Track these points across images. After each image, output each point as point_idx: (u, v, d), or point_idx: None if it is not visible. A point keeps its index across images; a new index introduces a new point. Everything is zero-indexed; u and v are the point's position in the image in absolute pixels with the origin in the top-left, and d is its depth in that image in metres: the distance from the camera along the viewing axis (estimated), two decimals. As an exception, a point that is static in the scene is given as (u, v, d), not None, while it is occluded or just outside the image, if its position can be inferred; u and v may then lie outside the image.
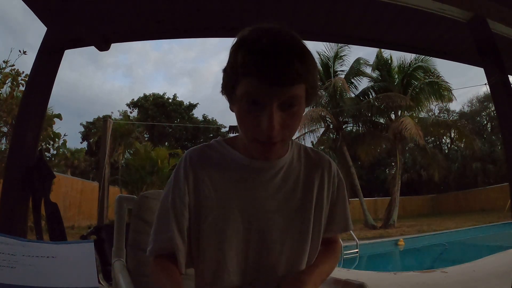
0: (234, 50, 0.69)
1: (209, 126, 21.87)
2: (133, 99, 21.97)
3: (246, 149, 0.80)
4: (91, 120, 20.99)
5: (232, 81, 0.69)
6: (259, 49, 0.64)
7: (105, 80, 52.07)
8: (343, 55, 14.19)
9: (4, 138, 4.85)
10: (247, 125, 0.70)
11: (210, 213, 0.77)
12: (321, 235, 0.84)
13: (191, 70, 53.58)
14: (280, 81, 0.64)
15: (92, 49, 2.72)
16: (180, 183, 0.79)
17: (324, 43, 13.50)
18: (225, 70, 0.73)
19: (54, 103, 15.87)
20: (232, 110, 0.76)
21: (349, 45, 12.51)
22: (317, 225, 0.83)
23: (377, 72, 14.72)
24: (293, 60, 0.64)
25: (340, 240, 0.96)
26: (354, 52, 17.05)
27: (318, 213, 0.83)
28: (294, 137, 0.83)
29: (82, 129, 21.27)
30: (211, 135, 22.06)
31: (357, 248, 7.36)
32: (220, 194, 0.78)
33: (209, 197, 0.78)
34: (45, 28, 2.36)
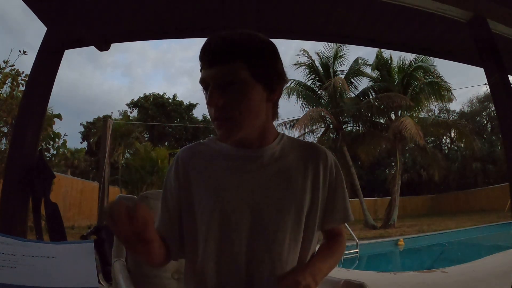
0: None
1: (209, 126, 21.84)
2: (133, 99, 22.00)
3: (236, 141, 0.82)
4: (91, 120, 21.01)
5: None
6: (209, 39, 0.76)
7: (104, 79, 52.08)
8: (342, 55, 14.19)
9: (4, 138, 4.85)
10: (207, 109, 0.77)
11: (202, 203, 0.79)
12: (316, 226, 0.83)
13: (190, 69, 53.52)
14: (212, 62, 0.74)
15: (90, 48, 2.72)
16: (171, 179, 0.85)
17: (323, 43, 13.50)
18: None
19: (54, 103, 15.87)
20: None
21: (347, 45, 12.50)
22: (312, 217, 0.82)
23: (377, 72, 14.71)
24: (223, 43, 0.74)
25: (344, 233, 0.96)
26: (354, 52, 17.11)
27: (314, 205, 0.83)
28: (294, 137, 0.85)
29: (82, 129, 21.29)
30: (211, 135, 21.82)
31: (357, 248, 7.36)
32: (210, 184, 0.80)
33: (200, 188, 0.81)
34: (45, 28, 2.36)
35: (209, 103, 0.74)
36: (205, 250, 0.78)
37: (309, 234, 0.82)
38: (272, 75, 0.78)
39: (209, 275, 0.78)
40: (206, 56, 0.75)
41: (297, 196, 0.81)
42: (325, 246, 0.89)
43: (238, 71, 0.73)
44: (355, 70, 14.36)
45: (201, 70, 0.77)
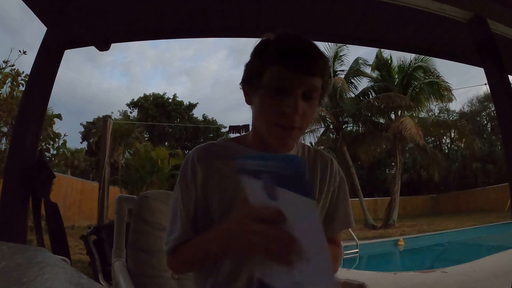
0: (263, 45, 0.78)
1: (209, 126, 21.87)
2: (133, 99, 21.98)
3: (255, 143, 0.83)
4: (91, 120, 21.01)
5: (259, 69, 0.76)
6: (291, 42, 0.75)
7: (103, 79, 52.01)
8: (342, 55, 14.20)
9: (4, 138, 4.84)
10: (270, 110, 0.75)
11: (219, 206, 0.79)
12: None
13: (189, 68, 53.52)
14: (306, 71, 0.72)
15: (89, 47, 2.71)
16: (187, 179, 0.81)
17: (323, 43, 13.50)
18: (249, 63, 0.81)
19: (54, 103, 15.87)
20: (248, 103, 0.82)
21: (348, 45, 12.50)
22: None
23: (377, 72, 14.71)
24: (317, 54, 0.75)
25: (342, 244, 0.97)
26: (353, 52, 17.10)
27: (319, 209, 0.84)
28: None
29: (82, 129, 21.28)
30: (211, 135, 22.04)
31: (357, 248, 7.36)
32: (229, 186, 0.79)
33: (218, 190, 0.80)
34: (45, 28, 2.35)
35: (292, 109, 0.72)
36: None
37: None
38: (324, 95, 0.82)
39: (222, 273, 0.78)
40: (301, 61, 0.72)
41: None
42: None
43: (320, 86, 0.76)
44: (355, 70, 14.36)
45: (273, 64, 0.73)
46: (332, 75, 14.20)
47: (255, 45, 0.80)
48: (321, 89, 0.77)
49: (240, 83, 0.83)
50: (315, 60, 0.74)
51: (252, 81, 0.78)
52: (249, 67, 0.80)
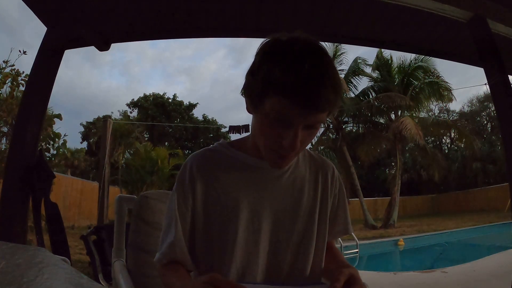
0: (269, 61, 0.67)
1: (209, 126, 21.87)
2: (133, 99, 21.98)
3: (253, 150, 0.82)
4: (91, 120, 21.00)
5: (261, 93, 0.68)
6: (298, 72, 0.63)
7: (102, 78, 51.86)
8: (341, 54, 14.19)
9: (4, 138, 4.84)
10: (268, 136, 0.71)
11: (219, 215, 0.78)
12: (326, 238, 0.85)
13: (188, 68, 53.38)
14: (313, 107, 0.65)
15: (88, 47, 2.71)
16: (185, 187, 0.80)
17: (322, 43, 13.45)
18: (253, 75, 0.71)
19: (53, 103, 15.87)
20: (249, 111, 0.76)
21: (347, 45, 12.50)
22: (322, 227, 0.84)
23: (377, 72, 14.71)
24: (328, 89, 0.65)
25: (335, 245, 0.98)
26: (353, 51, 17.10)
27: (323, 215, 0.85)
28: None
29: (82, 129, 21.27)
30: (211, 135, 22.04)
31: (357, 248, 7.35)
32: (229, 195, 0.79)
33: (218, 199, 0.79)
34: (45, 28, 2.35)
35: (290, 143, 0.68)
36: (223, 260, 0.77)
37: (320, 245, 0.84)
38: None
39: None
40: (306, 97, 0.63)
41: (309, 205, 0.83)
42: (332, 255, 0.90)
43: (325, 118, 0.71)
44: (355, 70, 14.36)
45: (277, 94, 0.65)
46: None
47: (262, 48, 0.71)
48: (327, 116, 0.72)
49: (241, 91, 0.81)
50: (326, 95, 0.64)
51: (253, 100, 0.72)
52: (251, 81, 0.72)
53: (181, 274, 0.76)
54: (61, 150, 5.62)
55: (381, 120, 14.97)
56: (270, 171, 0.81)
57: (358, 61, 14.34)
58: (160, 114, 20.98)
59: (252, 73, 0.71)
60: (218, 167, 0.81)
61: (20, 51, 4.52)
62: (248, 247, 0.77)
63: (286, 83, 0.63)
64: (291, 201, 0.81)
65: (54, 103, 17.08)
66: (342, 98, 0.79)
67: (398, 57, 17.11)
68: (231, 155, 0.84)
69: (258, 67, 0.69)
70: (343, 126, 14.85)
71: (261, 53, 0.70)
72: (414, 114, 14.13)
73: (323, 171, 0.88)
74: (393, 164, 18.75)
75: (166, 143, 20.19)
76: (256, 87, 0.69)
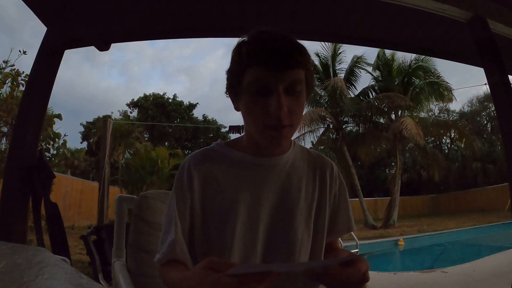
0: (238, 47, 0.76)
1: (209, 126, 21.87)
2: (133, 99, 21.98)
3: (249, 148, 0.82)
4: (91, 120, 21.00)
5: (238, 74, 0.74)
6: (263, 40, 0.72)
7: (102, 78, 51.89)
8: (341, 52, 14.18)
9: (4, 138, 4.84)
10: (256, 113, 0.73)
11: (217, 213, 0.79)
12: (324, 235, 0.85)
13: (188, 67, 53.38)
14: (284, 65, 0.70)
15: (87, 47, 2.71)
16: (183, 187, 0.81)
17: (321, 43, 13.48)
18: (229, 70, 0.79)
19: (53, 103, 15.87)
20: (237, 109, 0.80)
21: (347, 45, 12.50)
22: (320, 224, 0.84)
23: (377, 72, 14.71)
24: (292, 48, 0.72)
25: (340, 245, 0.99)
26: (354, 51, 17.10)
27: (321, 212, 0.85)
28: (293, 137, 0.84)
29: (82, 129, 21.27)
30: (211, 135, 22.04)
31: (357, 248, 7.35)
32: (226, 193, 0.79)
33: (216, 196, 0.80)
34: (45, 28, 2.35)
35: (275, 106, 0.70)
36: (221, 257, 0.76)
37: (318, 243, 0.84)
38: (312, 88, 0.80)
39: None
40: (275, 57, 0.70)
41: (306, 203, 0.83)
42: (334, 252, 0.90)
43: (303, 78, 0.74)
44: (354, 69, 14.35)
45: (250, 65, 0.72)
46: (332, 75, 14.21)
47: (232, 49, 0.78)
48: (305, 80, 0.75)
49: (225, 92, 0.81)
50: (290, 53, 0.71)
51: (234, 87, 0.77)
52: (229, 74, 0.78)
53: (181, 269, 0.76)
54: (61, 150, 5.63)
55: (381, 120, 14.97)
56: (267, 169, 0.82)
57: (355, 60, 14.31)
58: (160, 114, 20.98)
59: (228, 68, 0.79)
60: (215, 166, 0.82)
61: (20, 51, 4.52)
62: (246, 244, 0.78)
63: (255, 52, 0.71)
64: (288, 198, 0.82)
65: (54, 103, 17.10)
66: (308, 58, 0.77)
67: (398, 57, 17.12)
68: (228, 154, 0.84)
69: (232, 58, 0.78)
70: (343, 126, 14.84)
71: (232, 52, 0.78)
72: (414, 114, 14.13)
73: (322, 168, 0.88)
74: (393, 164, 18.75)
75: (166, 143, 20.18)
76: (233, 71, 0.76)
